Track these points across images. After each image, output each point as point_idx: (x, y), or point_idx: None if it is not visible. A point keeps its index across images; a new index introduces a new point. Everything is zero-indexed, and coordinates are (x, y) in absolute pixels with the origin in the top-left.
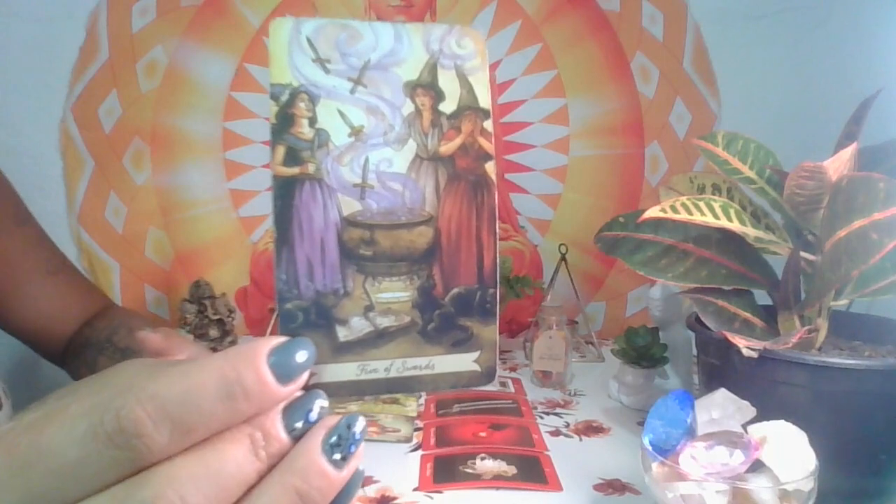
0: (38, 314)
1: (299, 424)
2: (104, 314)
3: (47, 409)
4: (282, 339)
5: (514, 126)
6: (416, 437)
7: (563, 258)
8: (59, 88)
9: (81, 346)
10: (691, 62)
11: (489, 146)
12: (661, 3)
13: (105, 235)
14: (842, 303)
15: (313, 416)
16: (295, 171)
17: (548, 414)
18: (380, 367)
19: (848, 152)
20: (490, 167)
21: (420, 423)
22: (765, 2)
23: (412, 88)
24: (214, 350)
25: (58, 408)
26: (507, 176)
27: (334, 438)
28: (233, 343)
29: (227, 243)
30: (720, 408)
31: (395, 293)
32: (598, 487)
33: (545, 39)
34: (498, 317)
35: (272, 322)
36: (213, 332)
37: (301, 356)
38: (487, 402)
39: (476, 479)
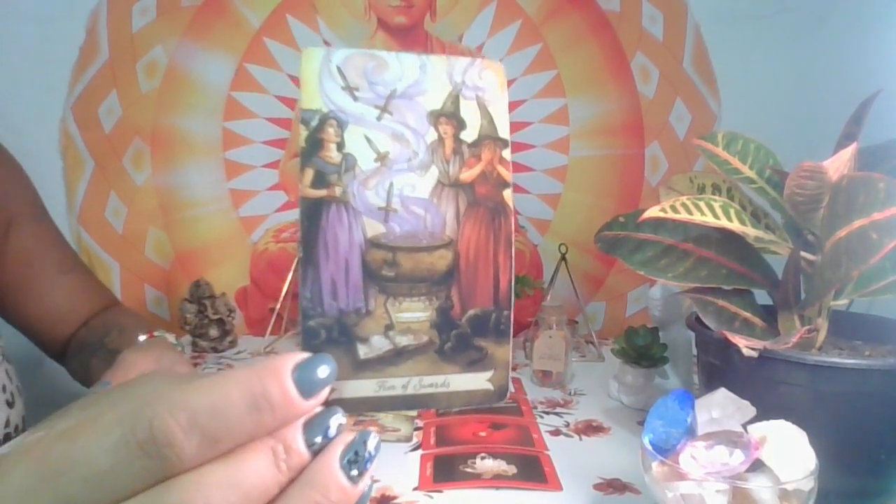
0: (47, 311)
1: (319, 439)
2: (100, 315)
3: (76, 418)
4: (305, 355)
5: (514, 126)
6: (416, 437)
7: (563, 258)
8: (59, 88)
9: (78, 347)
10: (691, 62)
11: (507, 174)
12: (661, 4)
13: (105, 235)
14: (842, 303)
15: (332, 432)
16: (322, 193)
17: (548, 413)
18: (398, 384)
19: (848, 152)
20: (508, 194)
21: (420, 423)
22: (765, 2)
23: (436, 117)
24: (215, 350)
25: (88, 417)
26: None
27: (351, 454)
28: (232, 343)
29: (227, 243)
30: (720, 407)
31: (415, 313)
32: (598, 487)
33: (545, 39)
34: (511, 337)
35: (272, 322)
36: (213, 332)
37: (323, 372)
38: None
39: (476, 479)
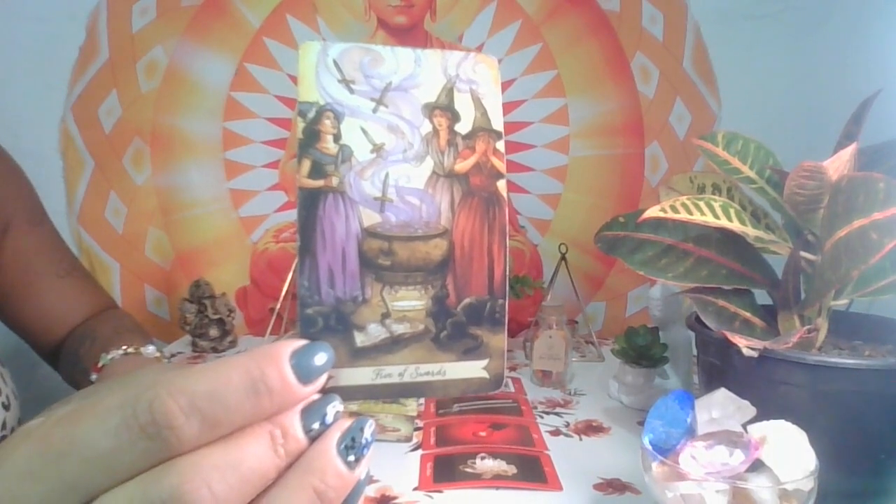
0: (42, 315)
1: (316, 425)
2: (85, 322)
3: (78, 404)
4: (303, 342)
5: (514, 126)
6: (416, 437)
7: (563, 258)
8: (59, 88)
9: (65, 355)
10: (691, 62)
11: (501, 165)
12: (661, 3)
13: (105, 235)
14: (842, 303)
15: (329, 418)
16: (319, 183)
17: (548, 413)
18: (394, 372)
19: (848, 152)
20: (502, 185)
21: (420, 423)
22: (765, 2)
23: (430, 110)
24: (215, 350)
25: (90, 403)
26: (507, 176)
27: (348, 440)
28: (233, 343)
29: (227, 243)
30: (720, 407)
31: (411, 301)
32: (598, 487)
33: (545, 39)
34: (506, 326)
35: (272, 322)
36: (213, 332)
37: (320, 359)
38: (487, 401)
39: (476, 479)
